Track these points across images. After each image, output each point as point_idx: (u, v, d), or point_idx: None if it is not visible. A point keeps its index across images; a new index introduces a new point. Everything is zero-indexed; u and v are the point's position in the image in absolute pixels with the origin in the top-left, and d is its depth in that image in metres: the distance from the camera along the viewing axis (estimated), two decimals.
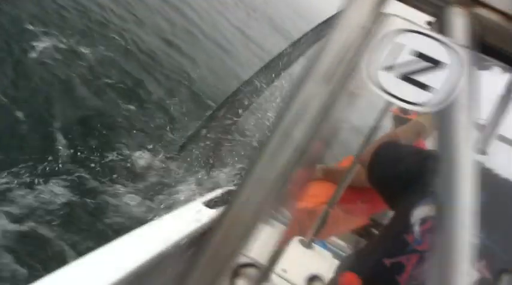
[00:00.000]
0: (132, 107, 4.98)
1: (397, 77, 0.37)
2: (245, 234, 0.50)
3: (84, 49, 5.21)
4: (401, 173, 1.34)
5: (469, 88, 0.40)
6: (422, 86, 0.37)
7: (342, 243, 3.31)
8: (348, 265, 1.54)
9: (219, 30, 9.59)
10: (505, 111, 1.34)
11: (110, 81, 5.10)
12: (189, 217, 2.35)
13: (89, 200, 3.63)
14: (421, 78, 0.37)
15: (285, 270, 1.83)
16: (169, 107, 5.49)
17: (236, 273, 1.40)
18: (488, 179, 1.18)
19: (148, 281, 2.02)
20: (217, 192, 2.79)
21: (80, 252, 3.19)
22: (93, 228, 3.42)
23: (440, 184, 0.45)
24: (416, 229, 1.12)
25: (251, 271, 1.43)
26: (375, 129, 2.06)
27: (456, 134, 0.39)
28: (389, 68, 0.38)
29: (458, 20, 0.45)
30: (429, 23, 0.50)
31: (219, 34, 9.32)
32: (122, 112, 4.79)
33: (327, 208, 2.15)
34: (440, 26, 0.46)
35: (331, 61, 0.47)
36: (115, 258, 1.71)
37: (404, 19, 0.44)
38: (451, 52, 0.39)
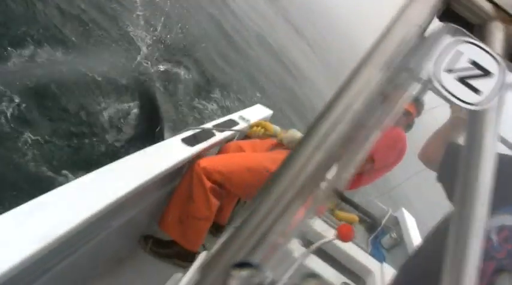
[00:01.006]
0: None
1: (455, 79, 0.48)
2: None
3: None
4: None
5: (501, 92, 0.51)
6: (473, 89, 0.48)
7: None
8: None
9: None
10: None
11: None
12: (168, 152, 2.45)
13: None
14: (473, 82, 0.48)
15: None
16: None
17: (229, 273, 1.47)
18: None
19: (127, 210, 2.13)
20: (195, 129, 2.89)
21: None
22: None
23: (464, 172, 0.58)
24: (494, 236, 1.11)
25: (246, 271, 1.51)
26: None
27: (485, 129, 0.51)
28: (449, 71, 0.49)
29: (498, 33, 0.56)
30: (470, 27, 0.61)
31: None
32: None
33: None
34: (482, 35, 0.57)
35: (390, 52, 0.57)
36: (97, 189, 1.79)
37: (457, 27, 0.55)
38: (495, 61, 0.50)
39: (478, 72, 0.48)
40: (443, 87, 0.48)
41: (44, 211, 1.50)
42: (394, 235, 3.66)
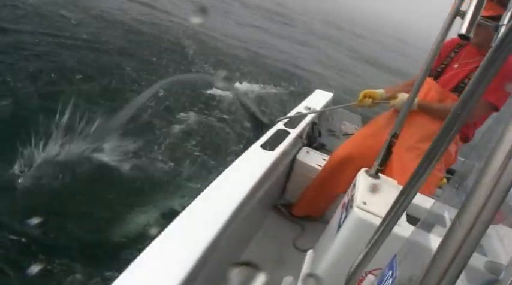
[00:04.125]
0: None
1: None
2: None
3: None
4: None
5: None
6: None
7: None
8: None
9: None
10: None
11: None
12: (252, 162, 2.44)
13: None
14: None
15: (364, 203, 1.89)
16: None
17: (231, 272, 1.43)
18: None
19: (234, 228, 2.10)
20: (270, 133, 2.87)
21: None
22: None
23: None
24: None
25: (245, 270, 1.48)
26: None
27: None
28: None
29: None
30: None
31: None
32: None
33: (389, 138, 2.17)
34: None
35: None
36: (203, 214, 1.84)
37: None
38: None
39: None
40: None
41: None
42: None
